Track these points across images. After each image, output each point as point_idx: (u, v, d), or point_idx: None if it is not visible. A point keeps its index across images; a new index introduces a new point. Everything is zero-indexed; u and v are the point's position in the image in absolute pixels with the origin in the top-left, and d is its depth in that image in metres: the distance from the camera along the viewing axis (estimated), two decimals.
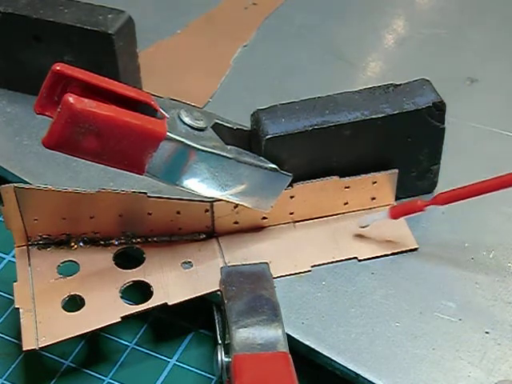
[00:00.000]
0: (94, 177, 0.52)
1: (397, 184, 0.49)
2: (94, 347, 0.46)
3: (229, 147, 0.45)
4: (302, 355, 0.43)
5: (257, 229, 0.49)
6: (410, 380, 0.42)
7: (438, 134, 0.49)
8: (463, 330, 0.44)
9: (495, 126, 0.56)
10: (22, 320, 0.44)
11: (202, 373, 0.45)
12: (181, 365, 0.45)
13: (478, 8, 0.67)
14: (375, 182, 0.49)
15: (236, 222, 0.48)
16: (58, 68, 0.42)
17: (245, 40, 0.64)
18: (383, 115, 0.47)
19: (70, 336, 0.43)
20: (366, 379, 0.42)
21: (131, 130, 0.41)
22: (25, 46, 0.56)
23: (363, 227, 0.48)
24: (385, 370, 0.42)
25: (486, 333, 0.44)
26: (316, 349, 0.43)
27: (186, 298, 0.45)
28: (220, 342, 0.43)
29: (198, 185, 0.44)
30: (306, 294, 0.46)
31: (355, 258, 0.47)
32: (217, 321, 0.44)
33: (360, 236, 0.48)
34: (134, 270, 0.46)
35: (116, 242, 0.48)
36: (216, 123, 0.46)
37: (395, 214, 0.47)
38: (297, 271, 0.47)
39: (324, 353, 0.43)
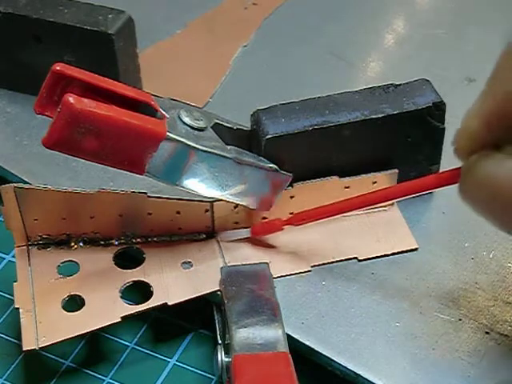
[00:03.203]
0: (93, 177, 0.52)
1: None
2: (94, 347, 0.46)
3: (229, 147, 0.45)
4: (302, 355, 0.43)
5: None
6: (410, 380, 0.42)
7: (438, 134, 0.49)
8: (463, 330, 0.44)
9: None
10: (22, 320, 0.44)
11: (202, 373, 0.45)
12: (181, 365, 0.45)
13: (477, 8, 0.67)
14: (375, 182, 0.49)
15: (236, 222, 0.48)
16: (58, 68, 0.42)
17: (245, 40, 0.64)
18: (383, 115, 0.47)
19: (70, 336, 0.43)
20: (365, 379, 0.42)
21: (131, 130, 0.41)
22: (25, 46, 0.55)
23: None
24: (385, 370, 0.42)
25: (486, 333, 0.44)
26: (316, 349, 0.43)
27: (186, 298, 0.45)
28: (220, 341, 0.43)
29: (198, 185, 0.44)
30: (305, 294, 0.46)
31: (355, 258, 0.47)
32: (217, 321, 0.44)
33: (360, 236, 0.48)
34: (134, 270, 0.46)
35: (116, 242, 0.48)
36: (216, 123, 0.46)
37: (256, 233, 0.48)
38: (297, 271, 0.47)
39: (324, 353, 0.43)
